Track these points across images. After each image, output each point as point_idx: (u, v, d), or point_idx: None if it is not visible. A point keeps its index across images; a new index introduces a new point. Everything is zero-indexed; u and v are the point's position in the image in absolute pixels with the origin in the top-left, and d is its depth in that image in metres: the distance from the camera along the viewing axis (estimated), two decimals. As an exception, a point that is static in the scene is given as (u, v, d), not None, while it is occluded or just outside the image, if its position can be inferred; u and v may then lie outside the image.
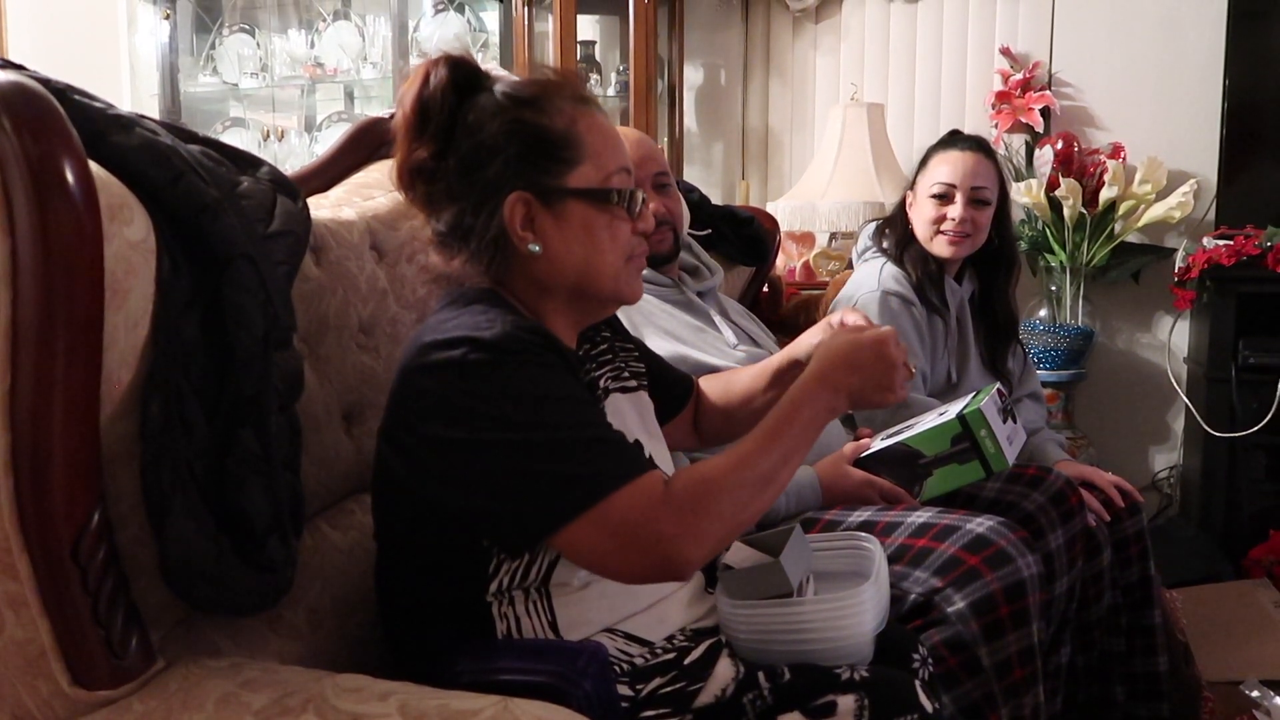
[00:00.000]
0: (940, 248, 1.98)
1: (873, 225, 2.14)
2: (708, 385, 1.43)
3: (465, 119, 1.04)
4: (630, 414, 1.20)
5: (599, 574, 0.99)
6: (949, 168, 1.98)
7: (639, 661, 1.07)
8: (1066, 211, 2.84)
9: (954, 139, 2.05)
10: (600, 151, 1.05)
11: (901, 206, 2.06)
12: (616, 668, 1.04)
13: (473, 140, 1.04)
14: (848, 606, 1.06)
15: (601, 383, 1.18)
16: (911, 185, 2.05)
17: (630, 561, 0.94)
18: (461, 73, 1.06)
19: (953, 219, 1.95)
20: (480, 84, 1.07)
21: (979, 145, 2.02)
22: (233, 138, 3.64)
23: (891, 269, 1.99)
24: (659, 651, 1.08)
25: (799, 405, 1.04)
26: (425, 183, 1.07)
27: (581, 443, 0.95)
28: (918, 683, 1.07)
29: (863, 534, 1.23)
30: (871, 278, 1.97)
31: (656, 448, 1.21)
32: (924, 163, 2.05)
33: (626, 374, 1.23)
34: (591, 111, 1.07)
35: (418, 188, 1.08)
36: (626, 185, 1.07)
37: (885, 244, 2.05)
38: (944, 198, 1.96)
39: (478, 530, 1.00)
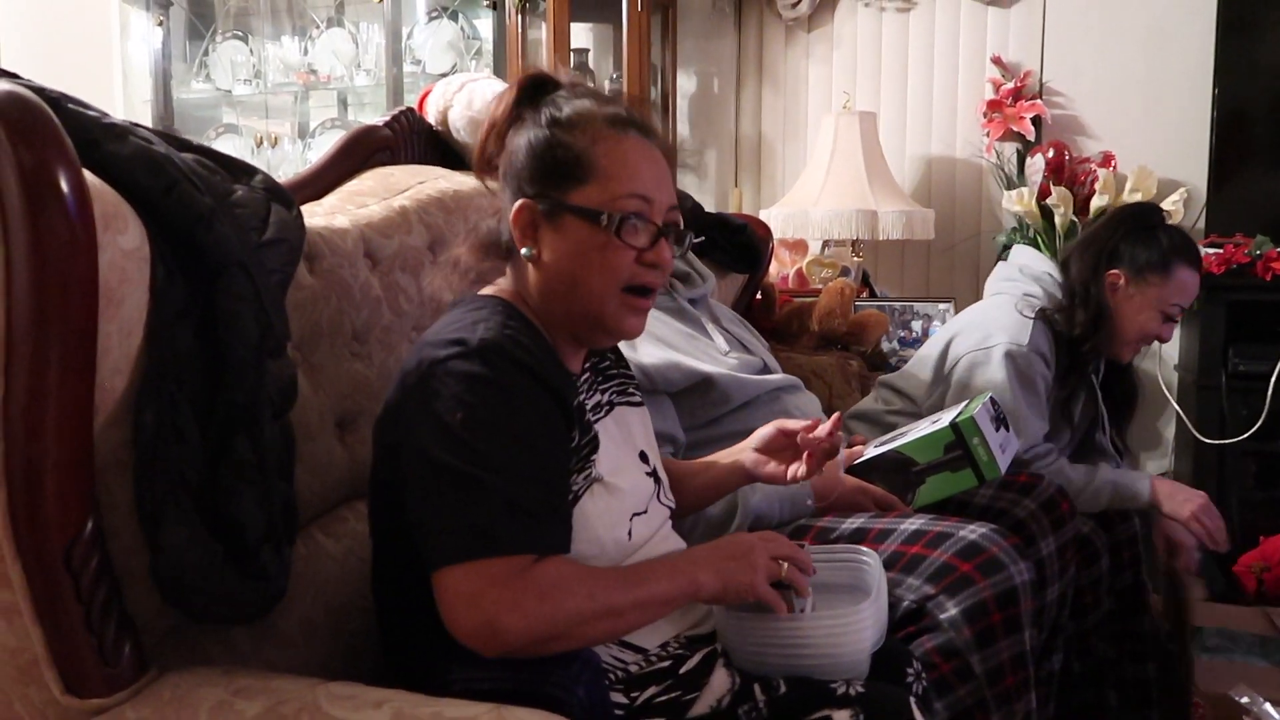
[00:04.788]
0: (1127, 355, 1.92)
1: (1031, 257, 2.00)
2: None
3: (517, 130, 1.11)
4: (636, 425, 1.21)
5: (443, 619, 0.94)
6: (1192, 292, 1.88)
7: (633, 669, 1.07)
8: (1057, 219, 2.86)
9: (1197, 257, 1.91)
10: (613, 175, 1.06)
11: (1100, 285, 1.87)
12: (611, 675, 1.05)
13: (509, 149, 1.11)
14: (848, 623, 1.06)
15: (608, 396, 1.19)
16: (1136, 277, 1.87)
17: (460, 615, 0.92)
18: (531, 91, 1.12)
19: (1163, 341, 1.90)
20: (543, 98, 1.11)
21: None
22: (226, 144, 3.63)
23: (1042, 328, 1.84)
24: (653, 659, 1.08)
25: (668, 565, 1.03)
26: (485, 181, 1.17)
27: (498, 495, 0.94)
28: (912, 698, 1.07)
29: (863, 549, 1.22)
30: (1020, 335, 1.82)
31: (657, 459, 1.23)
32: (1166, 269, 1.86)
33: (631, 389, 1.25)
34: (622, 136, 1.08)
35: (490, 177, 1.16)
36: (635, 210, 1.06)
37: (1065, 317, 1.87)
38: (1175, 320, 1.89)
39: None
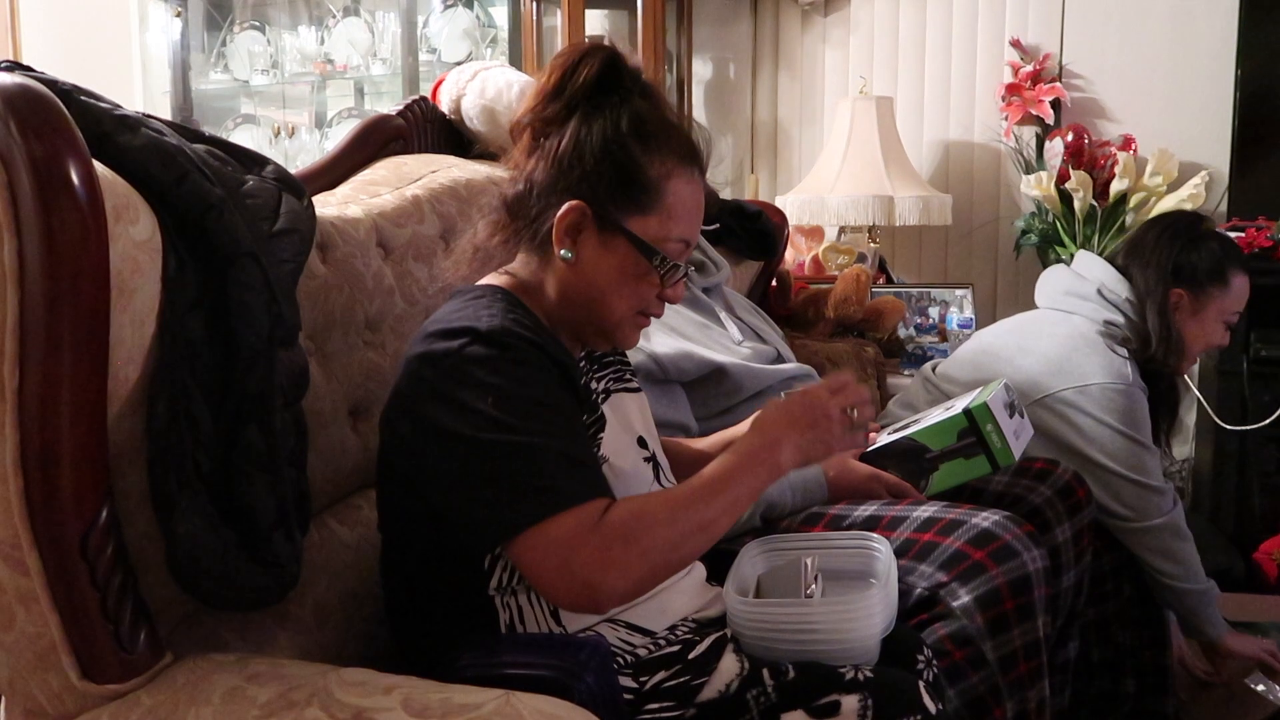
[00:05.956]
0: (1186, 367, 1.87)
1: (1109, 277, 1.87)
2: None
3: (588, 113, 1.08)
4: (634, 411, 1.22)
5: (538, 591, 1.00)
6: (1246, 295, 1.85)
7: (642, 652, 1.08)
8: (1077, 204, 2.83)
9: (1244, 258, 1.88)
10: (674, 215, 1.09)
11: (1167, 309, 1.81)
12: (620, 659, 1.06)
13: (578, 137, 1.08)
14: (857, 609, 1.06)
15: (604, 384, 1.20)
16: (1199, 293, 1.82)
17: (556, 585, 0.94)
18: (611, 71, 1.09)
19: (1223, 347, 1.88)
20: (621, 87, 1.09)
21: None
22: (244, 134, 3.66)
23: (1133, 362, 1.78)
24: (662, 642, 1.09)
25: (745, 458, 1.03)
26: (530, 139, 1.11)
27: (549, 454, 0.96)
28: (922, 684, 1.07)
29: (873, 535, 1.23)
30: (1122, 370, 1.77)
31: (655, 445, 1.23)
32: (1224, 279, 1.83)
33: (627, 375, 1.26)
34: (691, 174, 1.10)
35: (523, 141, 1.12)
36: (677, 255, 1.10)
37: (1145, 348, 1.81)
38: (1231, 327, 1.86)
39: (450, 525, 1.01)
